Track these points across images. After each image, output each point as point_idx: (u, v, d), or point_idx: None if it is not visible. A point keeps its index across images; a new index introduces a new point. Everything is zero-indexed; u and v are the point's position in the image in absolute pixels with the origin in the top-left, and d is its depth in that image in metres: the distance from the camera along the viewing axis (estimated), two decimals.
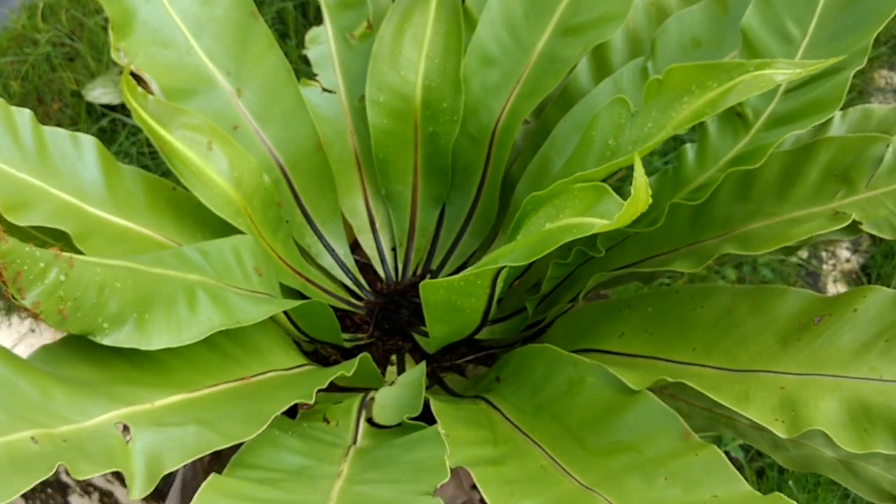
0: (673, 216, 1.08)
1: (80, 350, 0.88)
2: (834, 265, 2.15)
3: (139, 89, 1.12)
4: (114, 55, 1.18)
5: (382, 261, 1.40)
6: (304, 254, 1.35)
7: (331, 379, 0.96)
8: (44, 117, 2.24)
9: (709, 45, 1.18)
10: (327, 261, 1.36)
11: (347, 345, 1.26)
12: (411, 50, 1.32)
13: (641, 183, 0.80)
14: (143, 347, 0.86)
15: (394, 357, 1.29)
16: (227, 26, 1.27)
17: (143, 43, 1.21)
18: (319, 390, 0.94)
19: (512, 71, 1.28)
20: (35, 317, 0.79)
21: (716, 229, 1.08)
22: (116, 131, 2.23)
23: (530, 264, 1.05)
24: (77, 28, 2.47)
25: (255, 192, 1.23)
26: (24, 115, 1.04)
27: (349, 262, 1.38)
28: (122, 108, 2.23)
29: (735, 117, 1.07)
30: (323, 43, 1.37)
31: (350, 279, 1.37)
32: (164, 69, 1.23)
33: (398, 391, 1.06)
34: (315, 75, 1.37)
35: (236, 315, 0.95)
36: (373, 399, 1.05)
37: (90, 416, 0.80)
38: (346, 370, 1.00)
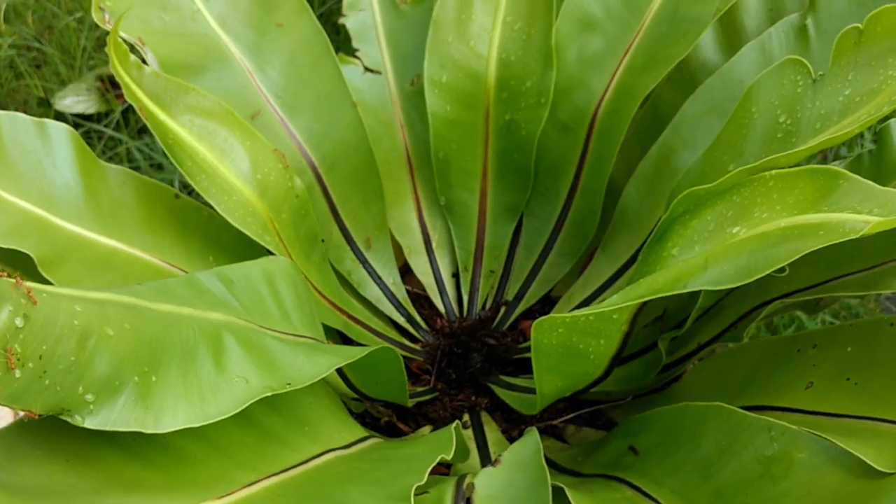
0: None
1: (48, 438, 0.56)
2: None
3: (132, 58, 0.81)
4: (95, 16, 0.87)
5: (441, 291, 1.09)
6: (344, 282, 1.03)
7: (429, 469, 0.64)
8: None
9: None
10: (372, 292, 1.05)
11: (409, 402, 0.94)
12: (483, 13, 1.01)
13: None
14: (150, 430, 0.54)
15: (466, 417, 0.98)
16: None
17: (135, 2, 0.90)
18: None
19: (619, 37, 0.98)
20: None
21: None
22: (92, 145, 1.90)
23: None
24: (45, 31, 2.16)
25: (283, 200, 0.91)
26: None
27: (400, 292, 1.06)
28: (99, 118, 1.91)
29: None
30: (365, 9, 1.07)
31: (402, 315, 1.05)
32: (163, 38, 0.92)
33: (508, 476, 0.74)
34: (355, 51, 1.07)
35: (283, 372, 0.64)
36: (471, 486, 0.73)
37: None
38: (440, 450, 0.68)
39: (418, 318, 1.07)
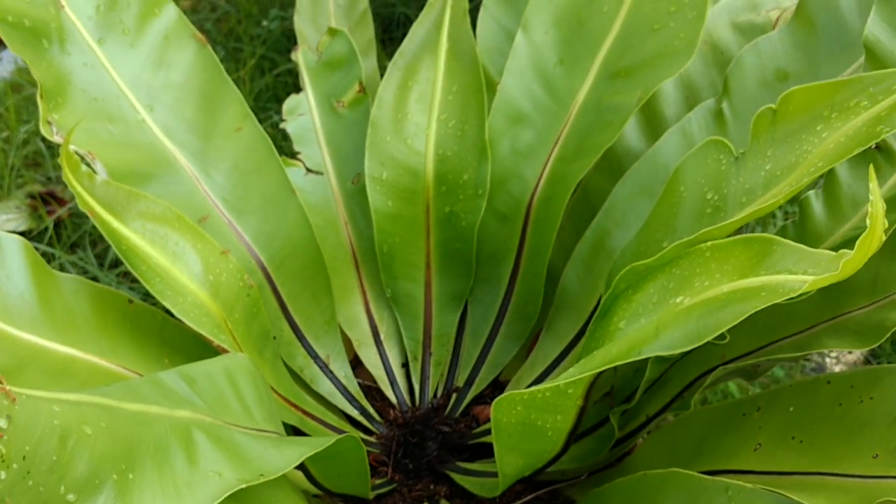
0: None
1: None
2: None
3: (84, 168, 0.83)
4: (43, 130, 0.89)
5: (392, 381, 1.10)
6: (296, 378, 1.04)
7: None
8: None
9: (800, 77, 0.95)
10: (325, 387, 1.06)
11: (370, 494, 0.95)
12: (419, 112, 1.06)
13: (878, 211, 0.55)
14: None
15: None
16: (188, 94, 1.00)
17: (81, 115, 0.93)
18: None
19: (548, 128, 1.04)
20: None
21: (862, 297, 0.84)
22: None
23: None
24: None
25: (236, 300, 0.93)
26: None
27: (352, 386, 1.07)
28: (34, 235, 1.90)
29: (873, 152, 0.85)
30: (304, 113, 1.11)
31: (356, 408, 1.06)
32: (111, 148, 0.94)
33: None
34: (297, 153, 1.10)
35: (254, 464, 0.65)
36: None
37: None
38: None
39: (371, 411, 1.08)
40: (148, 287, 0.83)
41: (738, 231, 0.90)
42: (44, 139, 1.96)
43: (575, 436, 0.86)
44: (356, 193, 1.10)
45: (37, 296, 0.82)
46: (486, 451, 1.03)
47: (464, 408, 1.08)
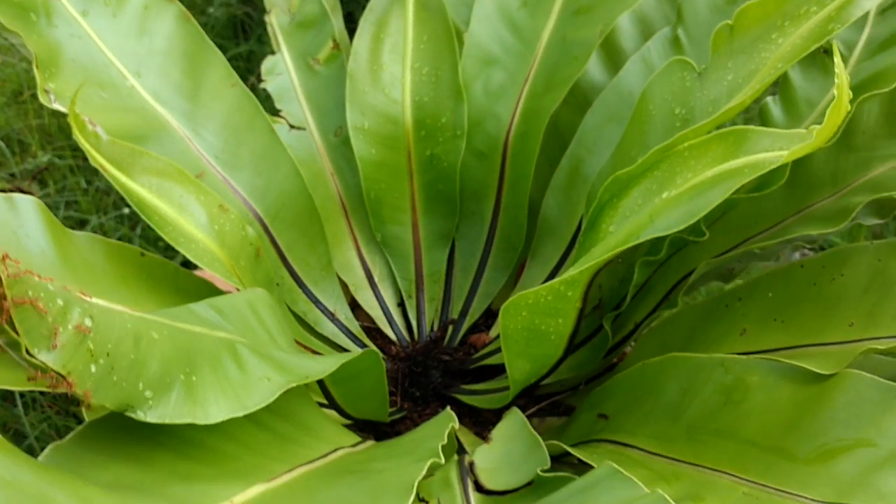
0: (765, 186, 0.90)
1: (103, 445, 0.61)
2: None
3: (89, 128, 0.87)
4: (42, 98, 0.92)
5: (390, 320, 1.16)
6: (300, 322, 1.09)
7: (447, 432, 0.71)
8: None
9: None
10: (328, 328, 1.11)
11: (387, 418, 1.00)
12: (393, 63, 1.11)
13: (843, 81, 0.62)
14: (201, 421, 0.60)
15: None
16: (173, 59, 1.04)
17: (75, 83, 0.96)
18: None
19: (518, 68, 1.10)
20: (53, 387, 0.52)
21: (825, 189, 0.92)
22: None
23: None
24: None
25: (240, 248, 0.97)
26: None
27: (353, 326, 1.13)
28: None
29: (821, 55, 0.92)
30: (282, 73, 1.15)
31: (359, 346, 1.12)
32: (106, 113, 0.98)
33: (503, 447, 0.82)
34: (279, 111, 1.15)
35: (298, 371, 0.70)
36: (471, 463, 0.80)
37: None
38: (445, 425, 0.75)
39: (374, 348, 1.13)
40: (163, 235, 0.87)
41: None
42: (3, 138, 1.97)
43: (574, 340, 0.92)
44: (339, 146, 1.15)
45: (56, 252, 0.86)
46: (487, 374, 1.09)
47: (461, 337, 1.14)
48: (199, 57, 1.04)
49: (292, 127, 1.14)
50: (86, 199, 1.85)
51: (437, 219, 1.15)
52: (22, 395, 1.47)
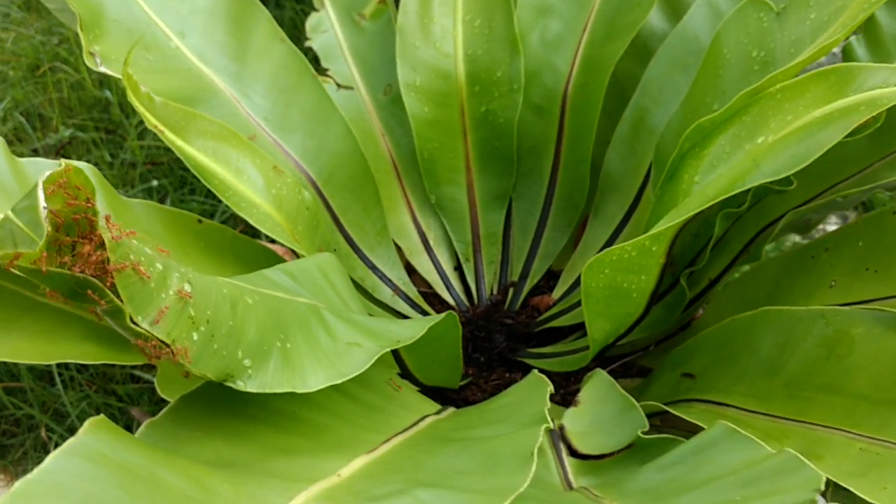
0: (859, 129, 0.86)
1: (196, 421, 0.57)
2: None
3: (143, 89, 0.82)
4: (87, 61, 0.88)
5: (447, 285, 1.12)
6: (358, 288, 1.05)
7: (547, 395, 0.67)
8: None
9: None
10: (386, 293, 1.07)
11: (458, 384, 0.97)
12: (443, 16, 1.07)
13: None
14: (300, 390, 0.56)
15: None
16: (217, 19, 0.99)
17: (120, 45, 0.91)
18: None
19: (575, 16, 1.05)
20: (156, 358, 0.48)
21: None
22: None
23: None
24: None
25: (297, 213, 0.93)
26: None
27: (411, 291, 1.09)
28: None
29: None
30: (327, 30, 1.11)
31: (417, 311, 1.08)
32: (152, 76, 0.93)
33: (592, 411, 0.78)
34: (325, 70, 1.10)
35: (386, 336, 0.66)
36: (561, 427, 0.76)
37: None
38: (542, 388, 0.71)
39: (433, 313, 1.09)
40: (224, 199, 0.83)
41: None
42: (22, 113, 1.92)
43: (656, 297, 0.88)
44: (389, 104, 1.11)
45: (116, 220, 0.82)
46: (553, 336, 1.06)
47: (522, 300, 1.10)
48: (243, 15, 1.00)
49: (340, 86, 1.10)
50: (111, 174, 1.80)
51: (493, 178, 1.11)
52: (60, 373, 1.44)
